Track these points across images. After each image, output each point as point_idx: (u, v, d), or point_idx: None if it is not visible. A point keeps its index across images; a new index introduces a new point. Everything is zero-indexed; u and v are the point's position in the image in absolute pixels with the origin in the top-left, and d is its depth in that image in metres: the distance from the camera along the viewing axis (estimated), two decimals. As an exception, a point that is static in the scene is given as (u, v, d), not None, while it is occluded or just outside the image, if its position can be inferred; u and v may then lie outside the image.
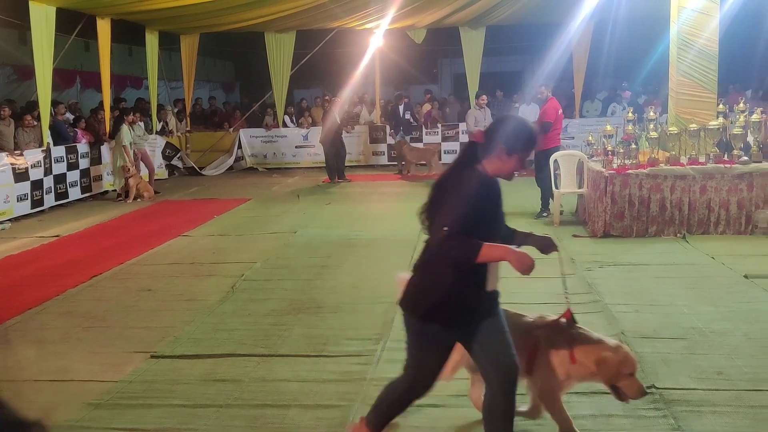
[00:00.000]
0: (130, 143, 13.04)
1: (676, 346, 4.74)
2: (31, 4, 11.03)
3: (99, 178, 13.48)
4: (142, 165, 13.63)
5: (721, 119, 8.61)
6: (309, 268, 7.35)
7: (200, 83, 21.25)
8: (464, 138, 17.16)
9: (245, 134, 17.47)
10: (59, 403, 4.20)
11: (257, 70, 19.75)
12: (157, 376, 4.62)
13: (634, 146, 8.51)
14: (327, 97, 17.96)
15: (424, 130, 17.25)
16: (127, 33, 16.06)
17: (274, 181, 15.05)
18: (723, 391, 4.09)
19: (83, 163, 12.92)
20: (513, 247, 2.97)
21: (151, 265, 7.77)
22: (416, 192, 13.01)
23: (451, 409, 3.95)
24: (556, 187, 9.37)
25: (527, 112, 13.46)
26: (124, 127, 12.98)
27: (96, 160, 13.34)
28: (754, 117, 8.40)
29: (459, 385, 4.23)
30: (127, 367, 4.75)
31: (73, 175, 12.62)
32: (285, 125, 17.65)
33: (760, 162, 8.14)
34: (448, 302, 3.00)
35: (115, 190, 13.45)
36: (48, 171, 11.81)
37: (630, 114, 9.41)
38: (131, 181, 12.79)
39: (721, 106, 9.04)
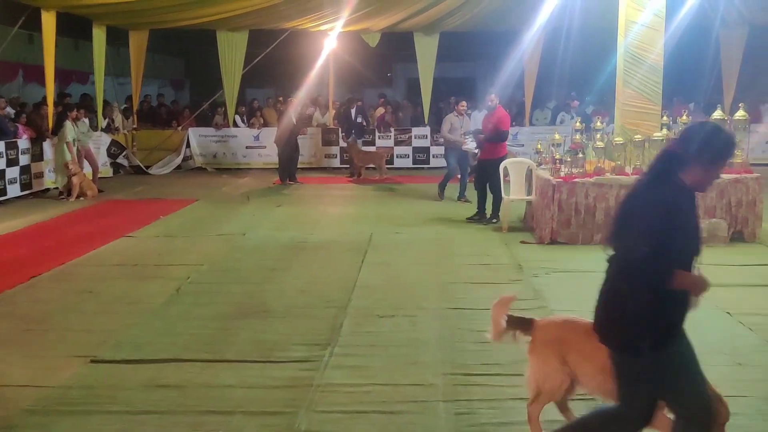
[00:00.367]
0: (74, 140, 12.68)
1: (619, 352, 4.82)
2: (-29, -6, 10.66)
3: (40, 175, 13.08)
4: (85, 163, 13.28)
5: (664, 131, 8.84)
6: (257, 271, 7.26)
7: (149, 80, 20.81)
8: (417, 143, 17.31)
9: (194, 133, 17.19)
10: (-8, 410, 4.05)
11: (208, 69, 19.42)
12: (97, 381, 4.49)
13: (581, 155, 8.67)
14: (281, 98, 17.83)
15: (377, 134, 17.28)
16: (74, 26, 15.65)
17: (224, 182, 14.86)
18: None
19: (24, 160, 12.51)
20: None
21: (93, 266, 7.57)
22: (367, 195, 13.03)
23: (397, 416, 3.94)
24: (506, 194, 9.51)
25: (478, 118, 13.58)
26: (68, 123, 12.63)
27: (37, 156, 12.94)
28: (697, 129, 8.64)
29: (412, 392, 4.23)
30: (66, 372, 4.61)
31: (13, 172, 12.21)
32: (236, 125, 17.44)
33: (701, 173, 8.37)
34: (654, 325, 2.79)
35: (57, 188, 13.06)
36: (-14, 167, 11.43)
37: (578, 123, 9.60)
38: (74, 179, 12.43)
39: (665, 117, 9.31)
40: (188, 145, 17.07)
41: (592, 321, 3.02)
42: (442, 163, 17.06)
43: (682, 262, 2.78)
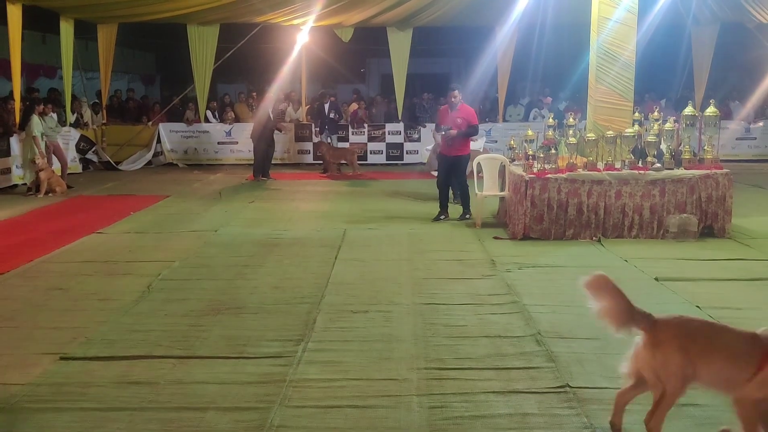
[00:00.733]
0: (42, 134, 12.47)
1: (590, 346, 4.87)
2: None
3: (7, 171, 12.82)
4: (54, 158, 13.06)
5: (636, 127, 8.95)
6: (230, 267, 7.20)
7: (118, 75, 20.50)
8: (391, 138, 17.28)
9: (165, 128, 16.98)
10: (-42, 409, 3.96)
11: (179, 63, 19.20)
12: (67, 378, 4.42)
13: (553, 151, 8.74)
14: (254, 93, 17.69)
15: (350, 130, 17.23)
16: (41, 20, 15.33)
17: (195, 178, 14.72)
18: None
19: (-10, 155, 12.30)
20: None
21: (62, 263, 7.44)
22: (341, 191, 12.99)
23: (371, 410, 3.94)
24: (479, 190, 9.52)
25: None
26: (35, 118, 12.41)
27: (4, 152, 12.69)
28: (668, 126, 8.78)
29: (385, 387, 4.23)
30: (35, 369, 4.52)
31: (-21, 167, 12.00)
32: (207, 120, 17.27)
33: (672, 169, 8.51)
34: None
35: (25, 184, 12.85)
36: (-49, 162, 11.19)
37: (551, 120, 9.66)
38: (42, 175, 12.21)
39: (636, 114, 9.42)
40: (159, 141, 16.87)
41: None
42: (417, 159, 17.13)
43: None
